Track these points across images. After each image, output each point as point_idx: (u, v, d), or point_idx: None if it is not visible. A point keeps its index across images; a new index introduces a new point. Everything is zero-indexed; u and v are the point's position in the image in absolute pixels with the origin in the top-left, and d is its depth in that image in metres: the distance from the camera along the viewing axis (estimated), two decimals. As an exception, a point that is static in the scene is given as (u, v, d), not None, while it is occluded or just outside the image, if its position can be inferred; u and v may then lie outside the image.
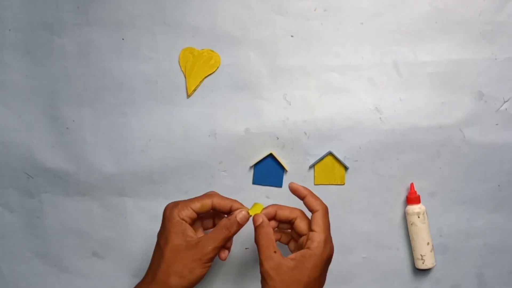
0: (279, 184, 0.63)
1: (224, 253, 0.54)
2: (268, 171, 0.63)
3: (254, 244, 0.63)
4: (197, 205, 0.52)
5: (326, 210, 0.51)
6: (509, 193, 0.62)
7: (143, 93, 0.64)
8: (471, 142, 0.62)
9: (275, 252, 0.49)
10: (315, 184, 0.63)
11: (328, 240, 0.50)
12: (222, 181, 0.64)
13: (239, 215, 0.52)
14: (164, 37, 0.63)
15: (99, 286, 0.65)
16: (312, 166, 0.63)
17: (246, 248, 0.64)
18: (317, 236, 0.49)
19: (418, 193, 0.62)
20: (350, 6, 0.62)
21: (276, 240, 0.52)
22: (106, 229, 0.65)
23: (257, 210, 0.53)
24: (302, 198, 0.53)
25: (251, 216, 0.53)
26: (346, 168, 0.62)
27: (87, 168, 0.65)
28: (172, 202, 0.53)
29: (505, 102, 0.61)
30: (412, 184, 0.61)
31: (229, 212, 0.53)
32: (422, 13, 0.61)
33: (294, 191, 0.53)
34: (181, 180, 0.64)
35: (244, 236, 0.63)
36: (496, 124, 0.62)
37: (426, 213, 0.61)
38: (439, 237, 0.63)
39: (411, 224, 0.61)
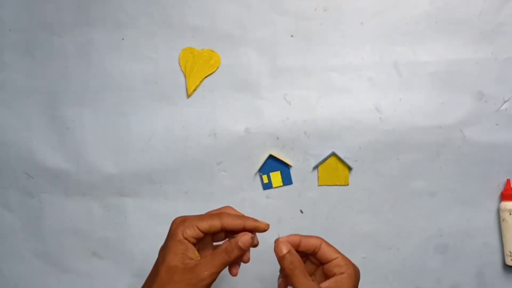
0: (289, 182, 0.63)
1: (235, 269, 0.51)
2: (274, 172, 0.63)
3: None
4: (204, 226, 0.48)
5: (324, 244, 0.49)
6: (509, 193, 0.62)
7: (143, 93, 0.64)
8: (471, 142, 0.62)
9: (312, 279, 0.47)
10: (319, 185, 0.63)
11: (352, 262, 0.49)
12: (222, 181, 0.64)
13: (242, 238, 0.48)
14: (164, 37, 0.63)
15: (99, 286, 0.65)
16: (316, 167, 0.63)
17: (246, 248, 0.64)
18: (342, 260, 0.48)
19: (417, 193, 0.62)
20: (350, 6, 0.62)
21: None
22: (106, 229, 0.65)
23: None
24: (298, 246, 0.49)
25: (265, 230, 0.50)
26: (350, 168, 0.62)
27: (87, 168, 0.65)
28: (180, 217, 0.50)
29: (505, 102, 0.61)
30: (508, 180, 0.61)
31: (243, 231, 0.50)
32: (422, 13, 0.61)
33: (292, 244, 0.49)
34: (181, 180, 0.64)
35: (244, 236, 0.63)
36: (496, 124, 0.62)
37: None
38: (439, 237, 0.63)
39: (502, 220, 0.61)
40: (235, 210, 0.51)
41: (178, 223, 0.49)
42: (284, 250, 0.47)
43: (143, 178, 0.64)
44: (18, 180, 0.66)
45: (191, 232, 0.48)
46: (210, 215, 0.49)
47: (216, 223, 0.48)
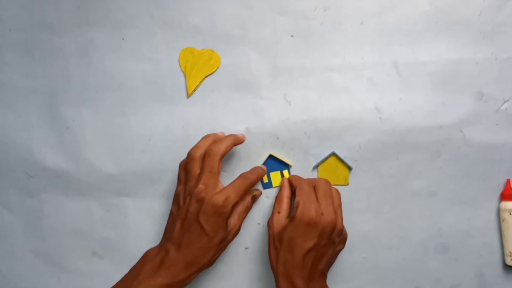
0: None
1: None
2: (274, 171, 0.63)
3: (254, 244, 0.64)
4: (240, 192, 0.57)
5: (300, 184, 0.58)
6: (509, 193, 0.62)
7: (143, 93, 0.64)
8: (471, 142, 0.62)
9: (278, 212, 0.58)
10: (318, 185, 0.63)
11: (300, 205, 0.55)
12: (222, 181, 0.63)
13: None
14: (164, 37, 0.63)
15: (99, 286, 0.65)
16: (316, 166, 0.63)
17: (246, 248, 0.64)
18: (296, 204, 0.55)
19: (417, 193, 0.62)
20: (350, 6, 0.62)
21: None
22: (106, 229, 0.65)
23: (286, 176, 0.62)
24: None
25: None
26: (349, 168, 0.62)
27: (87, 168, 0.65)
28: (227, 200, 0.55)
29: (505, 102, 0.61)
30: (508, 180, 0.61)
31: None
32: (422, 13, 0.61)
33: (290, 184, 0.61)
34: (181, 180, 0.64)
35: (244, 236, 0.63)
36: (496, 124, 0.62)
37: None
38: (439, 237, 0.63)
39: (502, 220, 0.61)
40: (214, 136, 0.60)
41: (230, 210, 0.56)
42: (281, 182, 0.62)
43: (143, 178, 0.64)
44: (18, 180, 0.66)
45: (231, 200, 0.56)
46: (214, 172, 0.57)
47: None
